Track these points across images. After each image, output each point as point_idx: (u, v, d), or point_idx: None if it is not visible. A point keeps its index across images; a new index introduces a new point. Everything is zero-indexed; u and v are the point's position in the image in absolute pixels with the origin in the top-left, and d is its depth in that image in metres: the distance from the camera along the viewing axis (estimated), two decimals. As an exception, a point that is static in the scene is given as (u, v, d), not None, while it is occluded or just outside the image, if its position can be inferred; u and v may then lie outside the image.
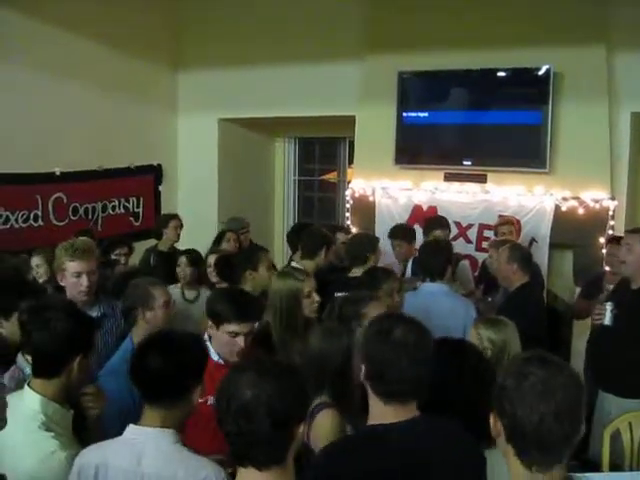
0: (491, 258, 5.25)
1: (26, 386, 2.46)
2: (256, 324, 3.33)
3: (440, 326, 3.91)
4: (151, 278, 3.91)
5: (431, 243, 4.99)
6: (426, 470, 2.09)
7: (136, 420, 2.34)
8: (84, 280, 3.62)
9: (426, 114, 6.83)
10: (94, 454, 2.26)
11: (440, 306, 4.19)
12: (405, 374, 2.12)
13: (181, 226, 6.43)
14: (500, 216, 6.25)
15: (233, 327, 3.07)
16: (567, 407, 1.63)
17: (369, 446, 2.14)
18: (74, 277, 3.62)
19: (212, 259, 5.17)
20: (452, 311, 4.19)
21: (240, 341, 3.07)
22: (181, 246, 6.62)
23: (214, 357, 3.08)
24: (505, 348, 3.00)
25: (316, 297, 3.76)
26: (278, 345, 3.63)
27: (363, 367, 2.22)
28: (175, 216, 6.59)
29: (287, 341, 3.63)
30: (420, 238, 5.73)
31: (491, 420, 1.74)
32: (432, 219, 6.05)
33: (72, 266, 3.62)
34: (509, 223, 5.92)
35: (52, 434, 2.35)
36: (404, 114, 6.86)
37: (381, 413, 2.17)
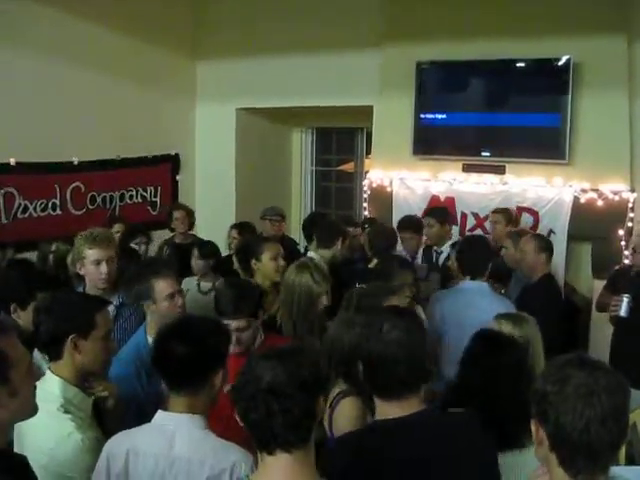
0: (507, 249, 5.17)
1: (48, 370, 2.49)
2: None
3: (479, 326, 3.91)
4: (158, 268, 3.56)
5: (474, 239, 4.88)
6: (426, 462, 2.08)
7: (144, 407, 2.35)
8: (103, 267, 3.66)
9: (444, 111, 6.77)
10: (123, 440, 2.27)
11: (480, 306, 4.00)
12: (400, 369, 2.09)
13: (188, 215, 6.37)
14: (518, 207, 6.25)
15: (226, 321, 3.05)
16: (613, 411, 1.54)
17: (373, 440, 2.14)
18: (93, 265, 3.66)
19: None
20: (492, 311, 4.11)
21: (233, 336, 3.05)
22: (200, 236, 6.60)
23: None
24: (528, 345, 2.98)
25: (324, 300, 3.72)
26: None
27: (360, 366, 2.20)
28: (179, 206, 6.55)
29: (298, 335, 3.62)
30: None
31: (532, 428, 1.65)
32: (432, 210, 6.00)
33: (91, 254, 3.66)
34: (502, 213, 5.91)
35: (70, 416, 2.38)
36: (422, 115, 6.81)
37: (383, 409, 2.16)
